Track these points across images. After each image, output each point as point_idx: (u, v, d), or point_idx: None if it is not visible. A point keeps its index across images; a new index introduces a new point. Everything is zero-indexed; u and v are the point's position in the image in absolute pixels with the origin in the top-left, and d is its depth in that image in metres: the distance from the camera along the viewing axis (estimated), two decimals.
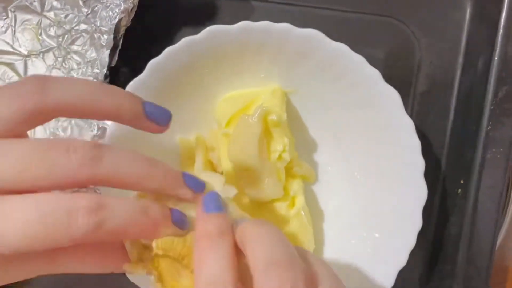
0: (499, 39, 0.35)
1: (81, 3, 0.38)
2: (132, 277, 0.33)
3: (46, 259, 0.23)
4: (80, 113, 0.21)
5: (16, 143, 0.20)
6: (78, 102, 0.21)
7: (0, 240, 0.18)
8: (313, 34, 0.32)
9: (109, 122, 0.36)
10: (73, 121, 0.38)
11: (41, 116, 0.20)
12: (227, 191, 0.27)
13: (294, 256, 0.21)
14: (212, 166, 0.37)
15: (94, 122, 0.37)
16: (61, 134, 0.38)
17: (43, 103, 0.20)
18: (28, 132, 0.39)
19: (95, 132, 0.36)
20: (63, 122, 0.38)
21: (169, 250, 0.24)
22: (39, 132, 0.38)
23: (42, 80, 0.20)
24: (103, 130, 0.36)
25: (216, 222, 0.23)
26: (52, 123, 0.38)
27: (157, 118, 0.23)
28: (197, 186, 0.25)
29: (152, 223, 0.22)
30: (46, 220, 0.19)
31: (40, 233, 0.19)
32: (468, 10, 0.38)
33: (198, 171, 0.28)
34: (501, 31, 0.35)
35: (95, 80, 0.37)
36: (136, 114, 0.22)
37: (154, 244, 0.24)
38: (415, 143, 0.32)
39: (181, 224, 0.24)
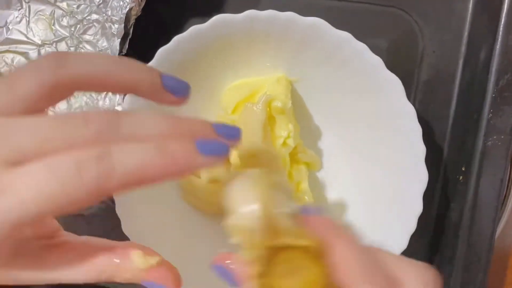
0: (501, 29, 0.35)
1: None
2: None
3: (34, 259, 0.23)
4: (99, 85, 0.21)
5: (36, 118, 0.20)
6: (98, 74, 0.21)
7: (21, 207, 0.19)
8: (317, 22, 0.33)
9: (119, 109, 0.37)
10: (84, 109, 0.39)
11: (60, 90, 0.21)
12: None
13: (386, 277, 0.21)
14: None
15: (106, 108, 0.38)
16: None
17: (62, 76, 0.20)
18: None
19: None
20: (75, 110, 0.40)
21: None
22: None
23: (61, 55, 0.21)
24: None
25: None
26: (64, 111, 0.39)
27: (175, 89, 0.23)
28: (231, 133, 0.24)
29: (171, 160, 0.20)
30: (58, 175, 0.19)
31: (56, 190, 0.19)
32: (471, 1, 0.39)
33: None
34: (502, 21, 0.35)
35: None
36: (155, 85, 0.22)
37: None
38: (416, 129, 0.33)
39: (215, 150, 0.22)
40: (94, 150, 0.19)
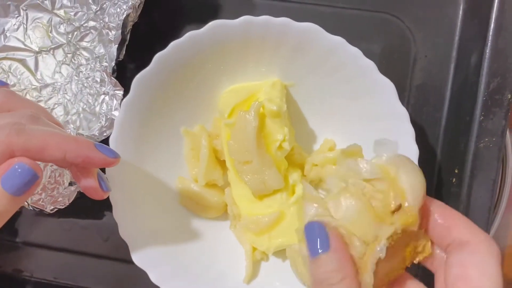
0: (491, 33, 0.36)
1: (90, 0, 0.39)
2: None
3: None
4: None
5: None
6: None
7: None
8: (311, 27, 0.34)
9: (116, 113, 0.37)
10: (81, 115, 0.40)
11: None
12: None
13: None
14: (216, 154, 0.38)
15: (102, 113, 0.38)
16: (71, 126, 0.39)
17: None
18: None
19: (103, 123, 0.38)
20: (72, 116, 0.40)
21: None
22: None
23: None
24: (111, 121, 0.38)
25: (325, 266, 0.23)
26: (61, 117, 0.40)
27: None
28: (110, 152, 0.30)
29: (74, 139, 0.27)
30: None
31: None
32: (461, 6, 0.40)
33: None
34: (492, 25, 0.36)
35: (104, 72, 0.39)
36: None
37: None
38: (409, 131, 0.34)
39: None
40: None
